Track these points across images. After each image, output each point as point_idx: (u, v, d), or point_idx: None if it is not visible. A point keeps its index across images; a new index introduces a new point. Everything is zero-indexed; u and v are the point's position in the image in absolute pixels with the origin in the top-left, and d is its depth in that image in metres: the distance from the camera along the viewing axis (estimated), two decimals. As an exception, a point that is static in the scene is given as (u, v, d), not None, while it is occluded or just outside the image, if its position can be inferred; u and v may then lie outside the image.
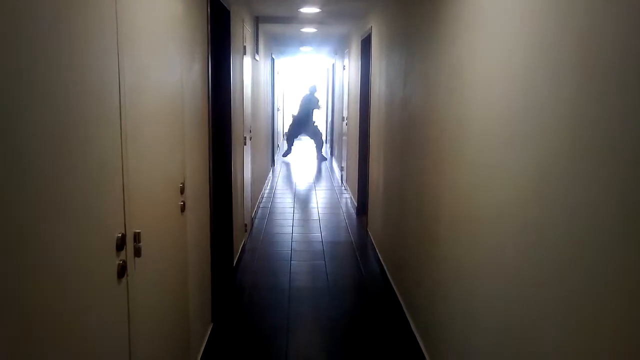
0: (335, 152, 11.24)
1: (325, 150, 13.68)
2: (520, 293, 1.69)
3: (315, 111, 12.40)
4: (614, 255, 1.20)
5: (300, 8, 5.73)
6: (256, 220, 6.28)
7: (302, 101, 12.35)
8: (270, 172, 9.71)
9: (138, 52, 1.80)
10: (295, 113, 12.38)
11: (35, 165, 1.13)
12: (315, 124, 12.28)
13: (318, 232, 5.84)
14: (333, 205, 7.30)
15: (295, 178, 9.55)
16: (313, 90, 12.25)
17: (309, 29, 7.58)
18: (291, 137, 12.37)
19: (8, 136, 1.03)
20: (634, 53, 1.14)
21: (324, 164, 11.36)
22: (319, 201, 7.53)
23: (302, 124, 12.17)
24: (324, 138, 13.49)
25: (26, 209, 1.09)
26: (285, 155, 12.33)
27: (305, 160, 11.97)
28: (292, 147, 12.59)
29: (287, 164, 11.34)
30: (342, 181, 8.88)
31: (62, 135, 1.24)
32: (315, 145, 12.25)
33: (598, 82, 1.27)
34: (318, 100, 12.47)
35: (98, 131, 1.46)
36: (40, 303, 1.15)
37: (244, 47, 5.00)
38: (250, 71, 5.54)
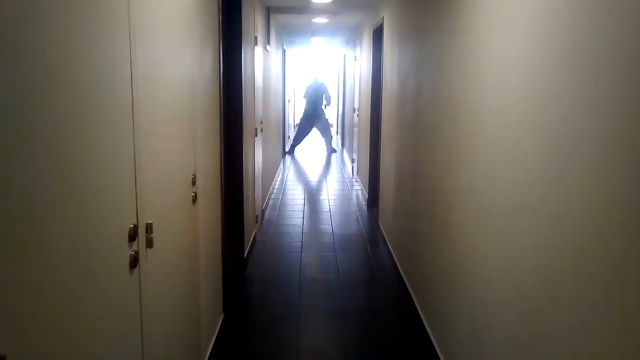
0: (346, 143, 11.21)
1: (336, 142, 13.65)
2: (533, 285, 1.67)
3: (325, 106, 11.60)
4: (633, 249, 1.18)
5: (312, -2, 5.69)
6: (267, 212, 6.29)
7: (307, 94, 11.65)
8: (281, 164, 9.71)
9: (150, 44, 1.79)
10: (303, 110, 11.73)
11: (49, 157, 1.12)
12: (326, 117, 11.65)
13: (329, 224, 5.84)
14: (344, 197, 7.29)
15: (306, 170, 9.54)
16: (316, 79, 11.64)
17: (320, 20, 7.54)
18: (299, 136, 11.50)
19: (24, 128, 1.02)
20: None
21: (334, 156, 11.33)
22: (330, 193, 7.52)
23: (310, 120, 11.45)
24: (334, 130, 13.13)
25: (40, 200, 1.09)
26: (289, 152, 11.59)
27: (315, 152, 11.95)
28: (297, 147, 11.87)
29: (297, 157, 11.33)
30: (352, 173, 8.85)
31: (75, 127, 1.24)
32: (324, 139, 11.79)
33: (617, 72, 1.24)
34: (326, 88, 11.66)
35: (111, 123, 1.45)
36: (53, 293, 1.15)
37: (255, 38, 4.98)
38: (261, 62, 5.52)
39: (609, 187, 1.27)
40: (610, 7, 1.28)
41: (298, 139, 11.57)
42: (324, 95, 11.56)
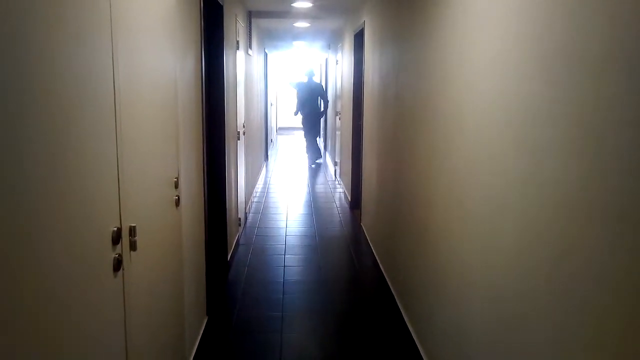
0: (329, 146, 11.24)
1: (321, 144, 13.66)
2: (511, 285, 1.72)
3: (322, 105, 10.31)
4: (609, 248, 1.23)
5: (293, 3, 5.73)
6: (250, 215, 6.30)
7: (300, 92, 10.15)
8: (264, 167, 9.72)
9: (132, 48, 1.81)
10: (299, 111, 10.30)
11: (30, 160, 1.14)
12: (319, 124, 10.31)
13: (312, 226, 5.87)
14: (327, 199, 7.32)
15: (288, 173, 9.56)
16: (311, 75, 10.21)
17: (301, 24, 7.58)
18: (311, 139, 10.22)
19: (4, 133, 1.04)
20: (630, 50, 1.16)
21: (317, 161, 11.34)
22: (313, 195, 7.55)
23: (311, 122, 10.15)
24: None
25: (21, 204, 1.11)
26: (316, 161, 10.37)
27: (298, 156, 11.97)
28: (318, 149, 10.34)
29: (281, 159, 11.34)
30: (335, 175, 8.90)
31: (56, 130, 1.26)
32: (310, 148, 10.40)
33: (594, 77, 1.30)
34: (322, 89, 10.31)
35: (93, 126, 1.47)
36: (36, 297, 1.17)
37: (237, 42, 5.00)
38: (243, 66, 5.55)
39: (586, 186, 1.32)
40: (583, 10, 1.34)
41: (313, 149, 10.32)
42: (320, 97, 10.30)
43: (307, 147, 10.46)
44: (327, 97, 10.54)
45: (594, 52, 1.26)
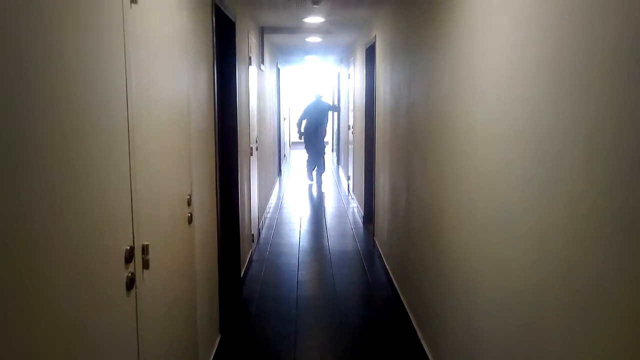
0: (342, 161, 11.23)
1: (332, 159, 13.65)
2: (525, 297, 1.68)
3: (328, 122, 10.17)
4: (615, 254, 1.20)
5: (305, 18, 5.76)
6: (263, 230, 6.29)
7: (307, 113, 10.20)
8: (277, 182, 9.72)
9: (145, 66, 1.82)
10: (303, 127, 10.22)
11: (45, 179, 1.14)
12: (324, 142, 10.32)
13: (325, 242, 5.84)
14: (340, 214, 7.29)
15: (301, 187, 9.56)
16: (319, 97, 10.29)
17: (313, 39, 7.61)
18: (316, 151, 10.13)
19: (19, 151, 1.04)
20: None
21: (329, 173, 11.32)
22: (326, 210, 7.53)
23: (313, 140, 10.11)
24: (329, 148, 11.10)
25: (36, 223, 1.10)
26: (317, 175, 10.25)
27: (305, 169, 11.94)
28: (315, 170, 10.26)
29: (294, 174, 11.34)
30: (348, 190, 8.87)
31: (71, 148, 1.26)
32: (315, 165, 10.26)
33: (598, 86, 1.27)
34: (329, 107, 10.41)
35: (106, 144, 1.47)
36: (50, 315, 1.16)
37: (250, 58, 5.03)
38: (256, 81, 5.57)
39: (595, 197, 1.29)
40: (589, 22, 1.32)
41: (316, 164, 10.21)
42: (330, 111, 10.36)
43: (314, 163, 10.25)
44: (338, 108, 10.74)
45: (602, 65, 1.24)
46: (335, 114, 10.41)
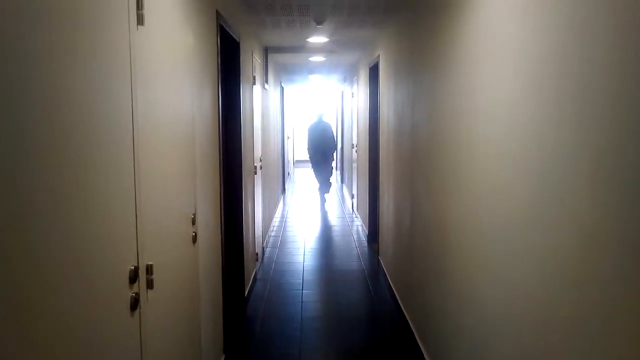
0: (346, 179, 11.22)
1: (336, 177, 13.65)
2: (532, 318, 1.66)
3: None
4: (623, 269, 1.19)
5: (309, 38, 5.81)
6: (268, 249, 6.27)
7: (311, 136, 9.78)
8: (281, 200, 9.71)
9: (151, 85, 1.83)
10: (311, 150, 9.82)
11: (50, 199, 1.14)
12: (331, 165, 9.91)
13: (329, 260, 5.81)
14: (344, 233, 7.27)
15: (306, 206, 9.55)
16: (321, 116, 9.87)
17: (317, 58, 7.67)
18: (324, 174, 9.73)
19: (26, 170, 1.04)
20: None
21: (332, 193, 11.30)
22: (330, 229, 7.51)
23: (321, 163, 9.72)
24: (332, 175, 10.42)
25: (39, 242, 1.10)
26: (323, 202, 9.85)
27: (314, 189, 11.95)
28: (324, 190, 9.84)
29: (298, 193, 11.34)
30: (352, 209, 8.86)
31: (76, 167, 1.26)
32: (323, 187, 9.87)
33: (601, 108, 1.27)
34: (331, 129, 9.92)
35: (111, 164, 1.47)
36: (53, 336, 1.15)
37: (254, 77, 5.06)
38: (260, 100, 5.60)
39: (600, 217, 1.29)
40: (590, 47, 1.32)
41: (325, 191, 9.85)
42: (330, 131, 9.89)
43: (320, 189, 9.88)
44: (335, 143, 10.11)
45: (604, 90, 1.24)
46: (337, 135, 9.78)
